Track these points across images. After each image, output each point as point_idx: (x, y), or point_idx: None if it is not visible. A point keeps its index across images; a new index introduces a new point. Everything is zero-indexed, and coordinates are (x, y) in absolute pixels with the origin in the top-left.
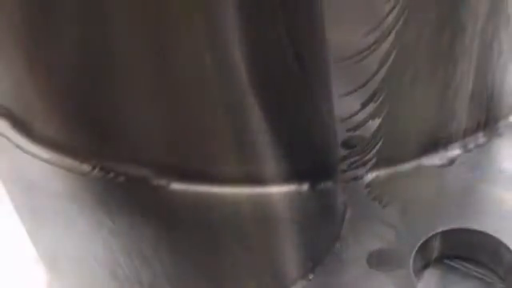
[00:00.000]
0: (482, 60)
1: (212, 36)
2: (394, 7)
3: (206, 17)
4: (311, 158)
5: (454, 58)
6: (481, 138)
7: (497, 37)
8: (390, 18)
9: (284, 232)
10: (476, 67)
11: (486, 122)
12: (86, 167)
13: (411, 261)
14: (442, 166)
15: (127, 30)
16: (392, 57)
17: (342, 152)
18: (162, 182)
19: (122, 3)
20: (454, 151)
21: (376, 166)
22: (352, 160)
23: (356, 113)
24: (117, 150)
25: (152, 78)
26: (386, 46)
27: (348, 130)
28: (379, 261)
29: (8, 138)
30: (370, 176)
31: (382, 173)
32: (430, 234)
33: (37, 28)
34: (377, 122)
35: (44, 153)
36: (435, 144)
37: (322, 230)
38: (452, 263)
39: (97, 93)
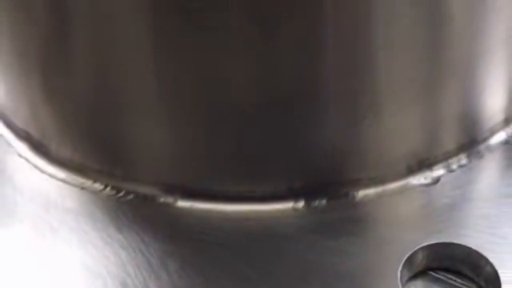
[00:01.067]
0: (466, 87)
1: (217, 64)
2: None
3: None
4: (307, 176)
5: (440, 85)
6: (463, 159)
7: (480, 62)
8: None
9: (282, 246)
10: (460, 94)
11: (468, 144)
12: (98, 186)
13: (399, 272)
14: (428, 185)
15: (137, 63)
16: (382, 80)
17: (336, 171)
18: (169, 199)
19: (133, 34)
20: (439, 171)
21: (367, 184)
22: (345, 178)
23: (348, 134)
24: (127, 170)
25: (158, 106)
26: (375, 68)
27: (340, 151)
28: (370, 272)
29: (27, 159)
30: (362, 193)
31: (372, 190)
32: (417, 248)
33: (53, 61)
34: (368, 143)
35: (60, 172)
36: (421, 165)
37: (317, 244)
38: (436, 275)
39: (108, 118)
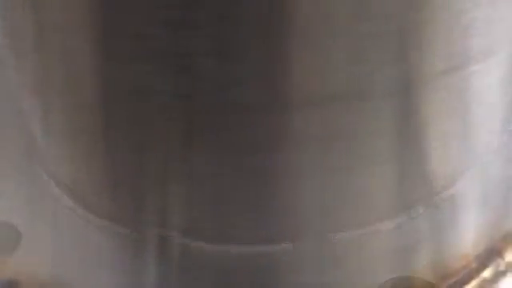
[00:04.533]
0: (424, 150)
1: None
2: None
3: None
4: (295, 223)
5: (404, 150)
6: (421, 209)
7: (434, 131)
8: None
9: (276, 279)
10: (420, 159)
11: (425, 197)
12: (127, 230)
13: None
14: (393, 230)
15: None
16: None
17: (319, 220)
18: (185, 241)
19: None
20: (401, 218)
21: (342, 229)
22: (327, 225)
23: (329, 193)
24: (150, 218)
25: (176, 180)
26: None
27: (324, 206)
28: None
29: (70, 208)
30: (338, 236)
31: (347, 234)
32: (383, 280)
33: (96, 146)
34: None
35: (97, 219)
36: (387, 213)
37: (304, 278)
38: None
39: (137, 183)
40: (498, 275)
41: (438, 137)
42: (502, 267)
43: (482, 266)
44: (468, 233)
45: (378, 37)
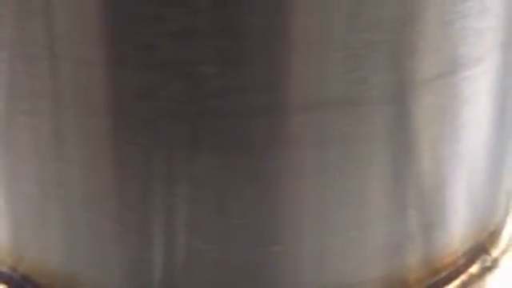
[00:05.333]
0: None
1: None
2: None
3: None
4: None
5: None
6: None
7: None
8: None
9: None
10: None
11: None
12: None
13: None
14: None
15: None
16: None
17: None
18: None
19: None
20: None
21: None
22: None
23: None
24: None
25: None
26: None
27: None
28: None
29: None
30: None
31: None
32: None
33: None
34: None
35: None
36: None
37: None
38: None
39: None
40: (485, 271)
41: (429, 140)
42: (488, 263)
43: (470, 262)
44: (456, 231)
45: (372, 46)
